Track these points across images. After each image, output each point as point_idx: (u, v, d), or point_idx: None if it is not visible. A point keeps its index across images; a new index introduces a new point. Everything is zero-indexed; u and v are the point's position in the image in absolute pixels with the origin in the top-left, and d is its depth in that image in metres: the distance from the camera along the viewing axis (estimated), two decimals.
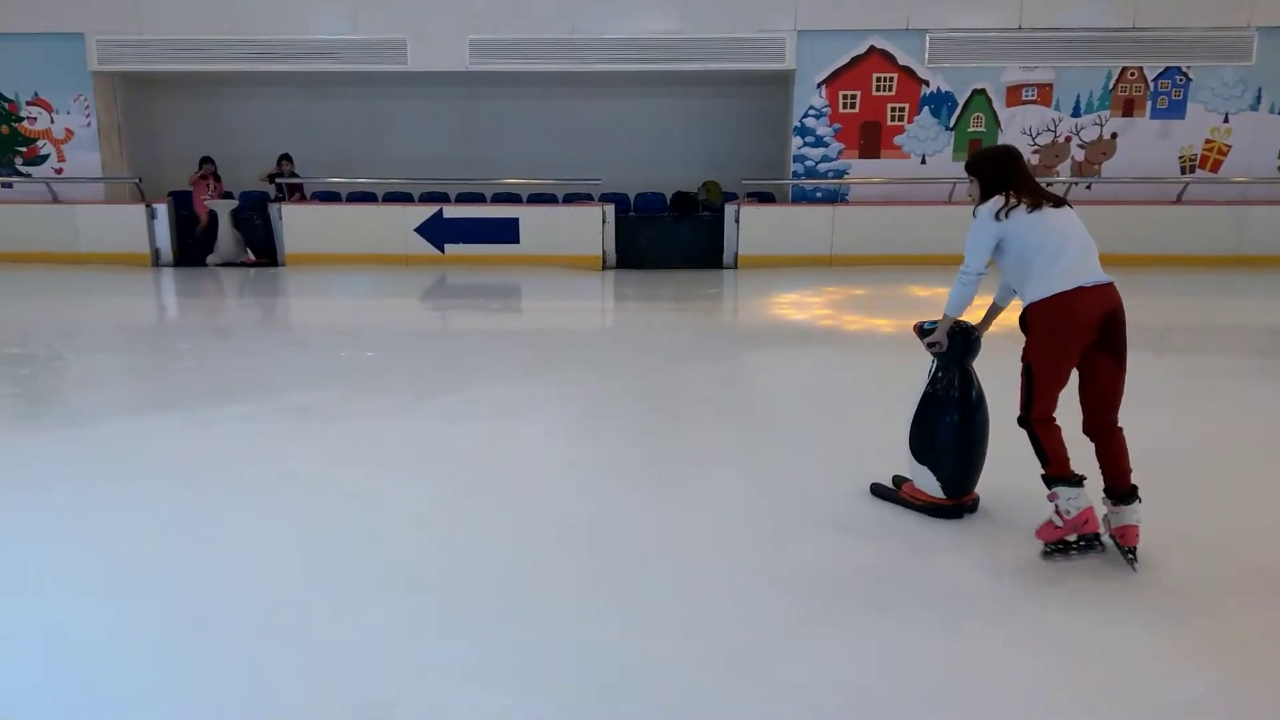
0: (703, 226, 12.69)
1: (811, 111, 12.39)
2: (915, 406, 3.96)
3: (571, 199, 13.01)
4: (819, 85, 12.33)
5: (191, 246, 12.63)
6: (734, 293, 11.23)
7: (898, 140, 12.53)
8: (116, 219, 12.42)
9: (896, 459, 4.16)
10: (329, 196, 13.44)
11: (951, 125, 12.51)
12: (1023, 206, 3.51)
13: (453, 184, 13.29)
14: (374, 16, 12.18)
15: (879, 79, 12.33)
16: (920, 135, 12.51)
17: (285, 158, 13.01)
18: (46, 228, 12.37)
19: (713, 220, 12.59)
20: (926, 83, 12.38)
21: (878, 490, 4.20)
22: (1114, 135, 12.55)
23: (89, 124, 12.65)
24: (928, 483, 3.93)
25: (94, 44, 12.26)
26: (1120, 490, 3.50)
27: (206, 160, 12.78)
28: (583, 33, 12.11)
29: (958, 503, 3.91)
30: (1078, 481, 3.51)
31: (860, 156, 12.53)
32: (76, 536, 3.93)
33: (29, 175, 12.73)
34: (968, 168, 3.79)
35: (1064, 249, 3.46)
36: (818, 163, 12.53)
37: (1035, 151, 12.57)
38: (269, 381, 6.77)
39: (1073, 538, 3.53)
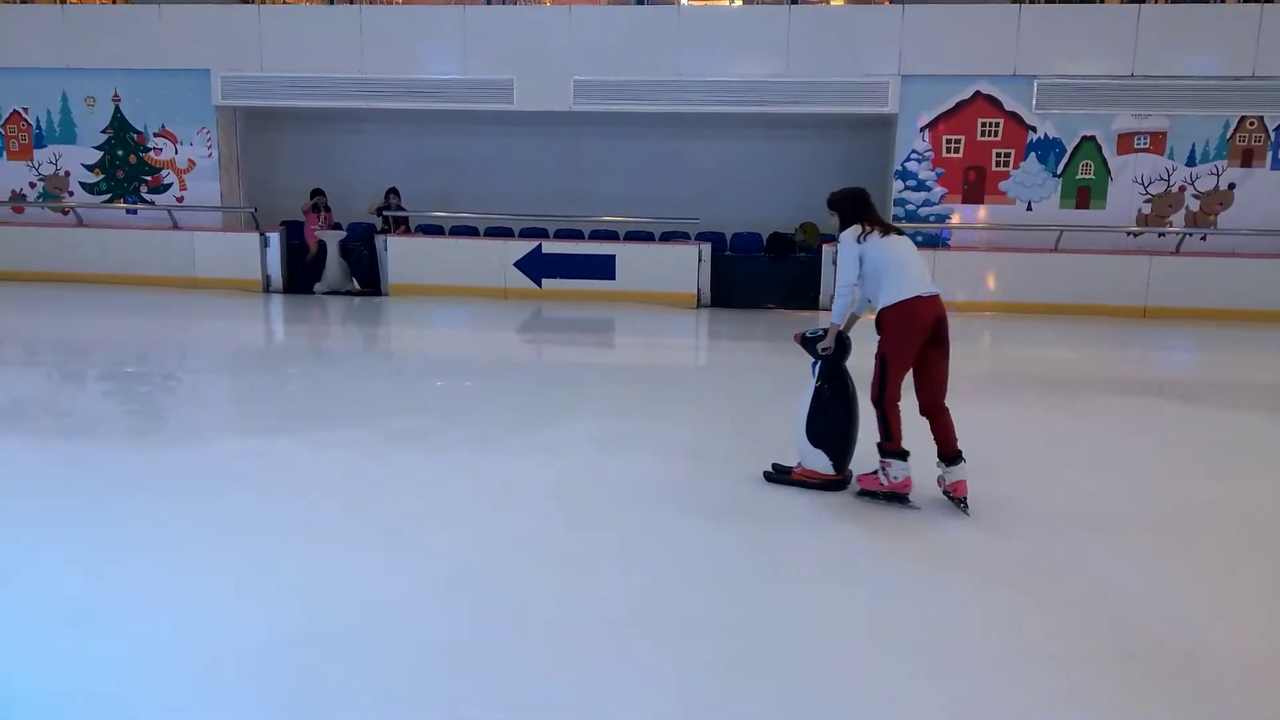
0: (799, 267, 12.59)
1: (914, 155, 12.23)
2: (808, 402, 4.82)
3: (668, 237, 13.07)
4: (922, 129, 12.18)
5: (300, 274, 13.07)
6: None
7: (1003, 186, 12.26)
8: (232, 246, 12.96)
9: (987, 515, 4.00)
10: (432, 230, 13.78)
11: (1059, 172, 12.19)
12: (875, 232, 4.60)
13: (552, 220, 13.50)
14: (483, 58, 12.53)
15: (984, 124, 12.11)
16: (1026, 181, 12.22)
17: (393, 191, 13.41)
18: (167, 253, 12.98)
19: (809, 262, 12.49)
20: (1034, 129, 12.11)
21: (771, 477, 5.06)
22: (1231, 186, 12.04)
23: (210, 155, 13.27)
24: (821, 464, 4.84)
25: (219, 80, 12.89)
26: (949, 455, 4.63)
27: (317, 192, 13.25)
28: (687, 75, 12.23)
29: (843, 477, 4.87)
30: (905, 456, 4.61)
31: (963, 201, 12.30)
32: (191, 552, 4.03)
33: (153, 203, 13.39)
34: (829, 204, 4.83)
35: (905, 266, 4.53)
36: (919, 206, 12.34)
37: (1148, 200, 12.14)
38: (371, 407, 6.90)
39: (886, 494, 4.68)
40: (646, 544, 4.18)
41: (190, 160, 13.29)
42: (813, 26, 12.15)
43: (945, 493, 4.66)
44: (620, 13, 12.76)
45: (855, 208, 4.74)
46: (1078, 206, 12.24)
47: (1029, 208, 12.26)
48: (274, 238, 12.90)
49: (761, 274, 12.73)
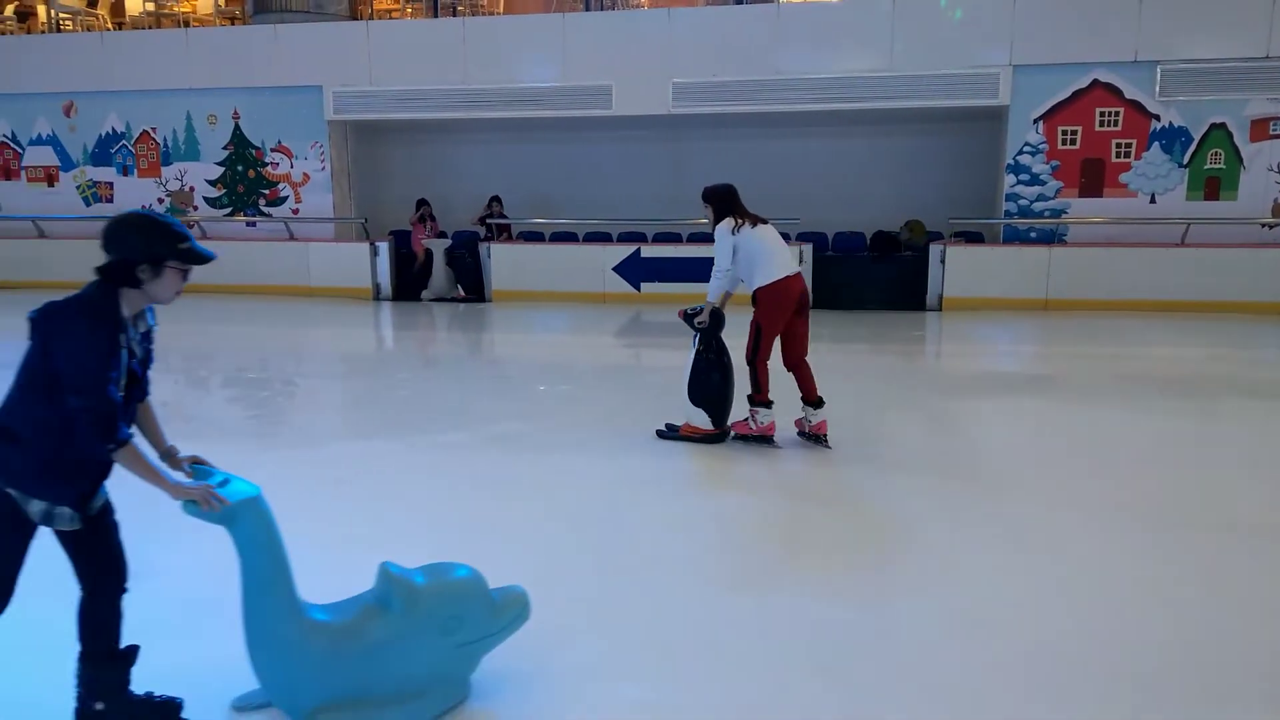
0: (904, 267, 12.24)
1: (1027, 148, 11.74)
2: (690, 368, 5.74)
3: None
4: (1035, 121, 11.67)
5: (408, 282, 13.42)
6: (937, 336, 10.74)
7: (1124, 178, 11.65)
8: (343, 256, 13.39)
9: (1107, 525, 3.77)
10: (533, 236, 13.96)
11: (1186, 162, 11.51)
12: (747, 225, 5.50)
13: (650, 224, 13.50)
14: (582, 64, 12.62)
15: (1103, 114, 11.54)
16: (1149, 173, 11.59)
17: (495, 199, 13.65)
18: (283, 263, 13.50)
19: (915, 261, 12.13)
20: (1157, 117, 11.47)
21: (663, 434, 5.96)
22: None
23: (323, 168, 13.75)
24: (701, 420, 5.77)
25: (330, 96, 13.34)
26: (813, 400, 5.65)
27: (423, 202, 13.58)
28: (787, 74, 12.06)
29: (721, 431, 5.80)
30: (770, 405, 5.65)
31: (1080, 195, 11.73)
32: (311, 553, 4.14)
33: (270, 215, 13.95)
34: (704, 199, 5.70)
35: (774, 253, 5.48)
36: (1033, 201, 11.84)
37: None
38: (477, 411, 7.01)
39: (756, 437, 5.71)
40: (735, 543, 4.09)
41: (305, 174, 13.80)
42: (917, 19, 11.80)
43: (808, 433, 5.71)
44: (719, 13, 12.65)
45: (728, 203, 5.61)
46: (1206, 198, 11.54)
47: (1152, 200, 11.63)
48: (383, 247, 13.27)
49: (864, 274, 12.43)
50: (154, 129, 14.07)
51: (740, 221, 5.52)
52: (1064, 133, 11.66)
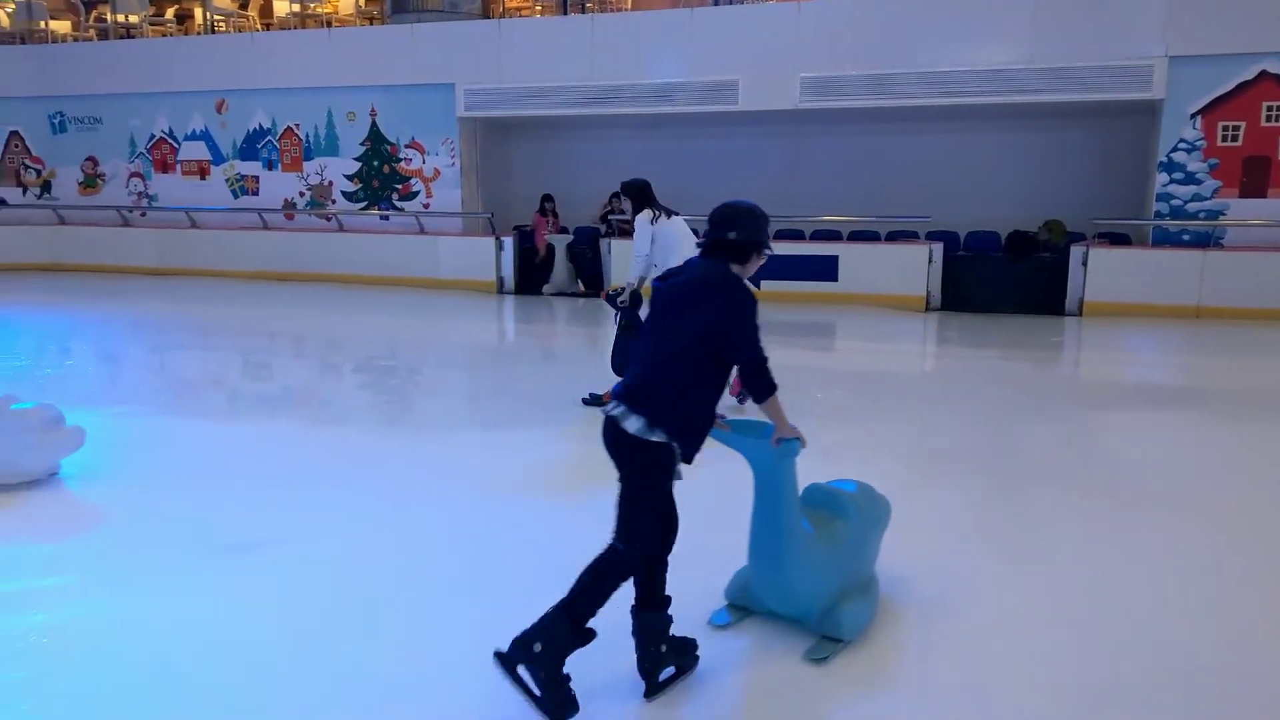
0: (1041, 269, 11.65)
1: (1182, 145, 10.99)
2: (614, 342, 6.61)
3: (895, 237, 12.53)
4: (1193, 116, 10.91)
5: (530, 276, 13.63)
6: (1077, 343, 10.21)
7: None
8: (470, 250, 13.71)
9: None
10: None
11: None
12: (663, 215, 6.25)
13: (771, 220, 13.25)
14: (709, 60, 12.52)
15: (1271, 108, 10.68)
16: None
17: (616, 195, 13.70)
18: (413, 256, 13.93)
19: (1054, 263, 11.54)
20: None
21: (587, 402, 6.67)
22: None
23: (453, 164, 14.11)
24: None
25: (462, 93, 13.66)
26: None
27: (547, 198, 13.77)
28: (920, 67, 11.65)
29: None
30: None
31: (1241, 196, 10.90)
32: (446, 537, 4.22)
33: (402, 210, 14.41)
34: (624, 193, 6.45)
35: (685, 238, 6.17)
36: (1187, 202, 11.08)
37: None
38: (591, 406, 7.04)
39: None
40: None
41: (435, 169, 14.18)
42: (1062, 7, 11.20)
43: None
44: (850, 5, 12.32)
45: (646, 196, 6.36)
46: None
47: None
48: (508, 242, 13.52)
49: (998, 275, 11.91)
50: (297, 125, 14.72)
51: (657, 213, 6.28)
52: (1225, 128, 10.87)
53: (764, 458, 3.05)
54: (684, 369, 2.80)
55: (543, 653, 2.66)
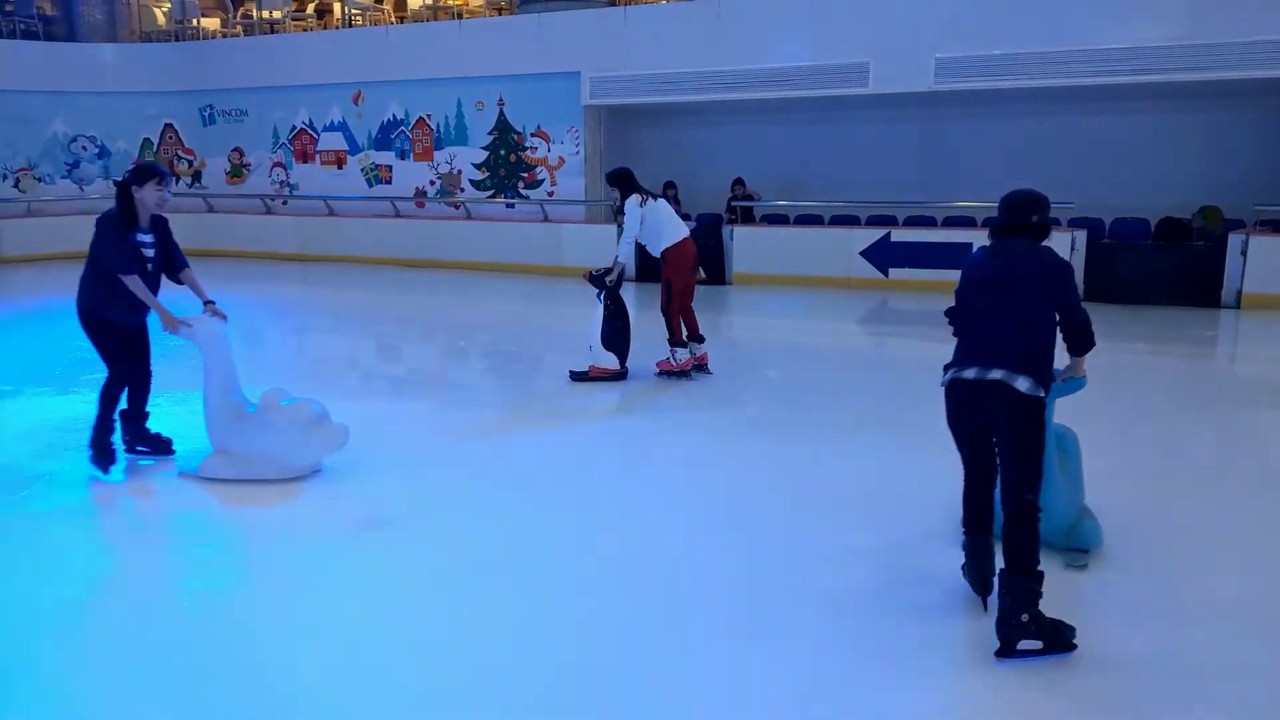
0: (1195, 258, 10.91)
1: None
2: (601, 320, 6.96)
3: None
4: None
5: (650, 263, 13.56)
6: (1233, 337, 9.54)
7: None
8: (593, 237, 13.80)
9: None
10: (777, 219, 13.75)
11: None
12: (650, 199, 6.86)
13: (902, 207, 12.91)
14: (837, 42, 12.20)
15: None
16: None
17: (738, 182, 13.56)
18: (538, 244, 14.13)
19: (1210, 251, 10.78)
20: None
21: (575, 376, 7.12)
22: None
23: (577, 152, 14.23)
24: (610, 362, 7.03)
25: (587, 81, 13.75)
26: (698, 337, 7.19)
27: (669, 184, 13.72)
28: (1065, 45, 11.04)
29: (625, 370, 7.06)
30: (686, 345, 7.08)
31: None
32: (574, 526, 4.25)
33: (527, 198, 14.64)
34: (610, 181, 7.04)
35: (671, 218, 6.98)
36: None
37: None
38: (711, 394, 6.99)
39: (677, 372, 7.05)
40: None
41: (560, 158, 14.34)
42: None
43: (696, 365, 7.17)
44: None
45: (631, 182, 6.91)
46: None
47: None
48: None
49: (1148, 264, 11.20)
50: (429, 115, 15.13)
51: (645, 197, 6.85)
52: None
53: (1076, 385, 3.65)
54: (1044, 332, 3.25)
55: (1029, 619, 3.08)
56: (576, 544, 4.09)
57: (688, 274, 7.01)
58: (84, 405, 6.50)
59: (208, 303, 5.11)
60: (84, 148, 16.83)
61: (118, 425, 5.20)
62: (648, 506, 4.51)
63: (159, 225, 5.00)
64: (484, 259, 14.38)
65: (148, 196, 4.82)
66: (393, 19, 16.69)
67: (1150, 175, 11.93)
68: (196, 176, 17.23)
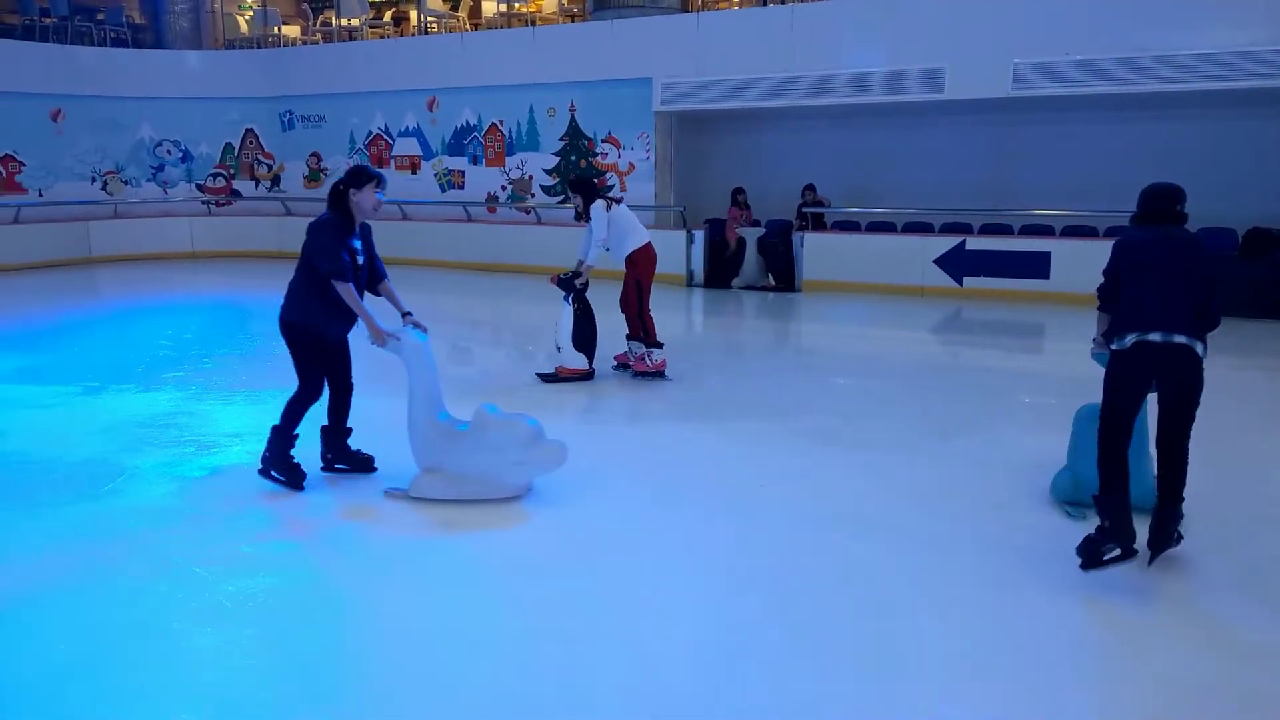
0: None
1: None
2: (569, 322, 7.11)
3: (1114, 232, 11.60)
4: None
5: (720, 269, 13.57)
6: None
7: None
8: (661, 243, 13.52)
9: None
10: (848, 225, 13.59)
11: None
12: (614, 205, 7.10)
13: (977, 214, 12.65)
14: (913, 47, 12.02)
15: None
16: None
17: (809, 188, 13.44)
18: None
19: None
20: None
21: (544, 378, 7.28)
22: None
23: (648, 158, 14.26)
24: (580, 362, 7.24)
25: (659, 87, 13.77)
26: (657, 344, 7.33)
27: (739, 191, 13.66)
28: (1147, 50, 10.71)
29: (592, 370, 7.30)
30: (661, 346, 7.31)
31: None
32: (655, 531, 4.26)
33: None
34: (573, 188, 7.21)
35: (635, 223, 7.20)
36: None
37: None
38: (779, 402, 6.92)
39: (653, 372, 7.30)
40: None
41: (631, 163, 14.38)
42: None
43: (639, 369, 7.34)
44: None
45: (594, 189, 7.13)
46: None
47: None
48: (699, 235, 13.52)
49: (1232, 276, 10.72)
50: (500, 121, 15.32)
51: (610, 203, 7.03)
52: None
53: None
54: (1200, 304, 3.83)
55: (1176, 534, 3.91)
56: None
57: (652, 274, 7.28)
58: (167, 403, 6.73)
59: (405, 314, 4.90)
60: (168, 151, 17.43)
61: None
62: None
63: (365, 233, 4.84)
64: (553, 264, 14.33)
65: (366, 200, 4.67)
66: (467, 26, 16.96)
67: (1237, 184, 11.49)
68: (275, 180, 17.71)
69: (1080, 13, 11.13)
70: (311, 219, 4.73)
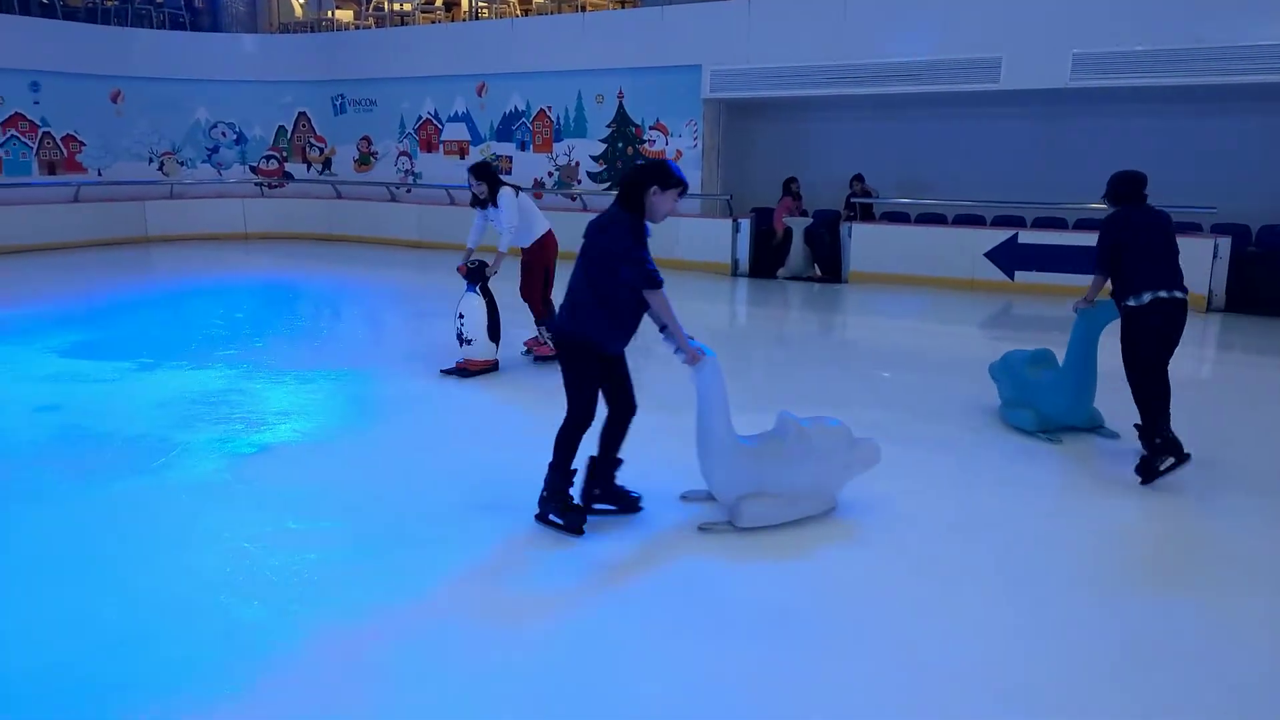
0: None
1: None
2: (483, 313, 7.05)
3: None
4: None
5: (766, 259, 13.48)
6: None
7: None
8: (707, 231, 13.74)
9: None
10: (897, 217, 13.41)
11: None
12: (521, 191, 7.38)
13: (1030, 208, 12.41)
14: (967, 36, 11.80)
15: None
16: None
17: (857, 178, 13.27)
18: (652, 237, 14.10)
19: None
20: None
21: (447, 373, 7.16)
22: None
23: (695, 145, 14.19)
24: (491, 353, 7.21)
25: (708, 74, 13.68)
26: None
27: (791, 180, 13.53)
28: (1210, 41, 10.41)
29: (497, 360, 7.38)
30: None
31: None
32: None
33: None
34: (476, 175, 7.20)
35: (537, 213, 7.50)
36: None
37: None
38: (825, 394, 6.85)
39: (552, 356, 7.03)
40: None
41: (678, 151, 14.33)
42: None
43: (538, 356, 7.62)
44: None
45: (497, 178, 7.20)
46: None
47: None
48: (745, 224, 13.43)
49: None
50: (549, 108, 15.34)
51: (518, 190, 7.27)
52: None
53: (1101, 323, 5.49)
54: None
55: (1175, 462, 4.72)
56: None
57: (544, 266, 7.45)
58: (218, 380, 6.86)
59: (662, 328, 4.28)
60: (223, 134, 17.72)
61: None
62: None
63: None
64: None
65: (663, 205, 4.11)
66: (518, 12, 16.98)
67: None
68: (327, 164, 17.92)
69: (1141, 2, 10.83)
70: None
